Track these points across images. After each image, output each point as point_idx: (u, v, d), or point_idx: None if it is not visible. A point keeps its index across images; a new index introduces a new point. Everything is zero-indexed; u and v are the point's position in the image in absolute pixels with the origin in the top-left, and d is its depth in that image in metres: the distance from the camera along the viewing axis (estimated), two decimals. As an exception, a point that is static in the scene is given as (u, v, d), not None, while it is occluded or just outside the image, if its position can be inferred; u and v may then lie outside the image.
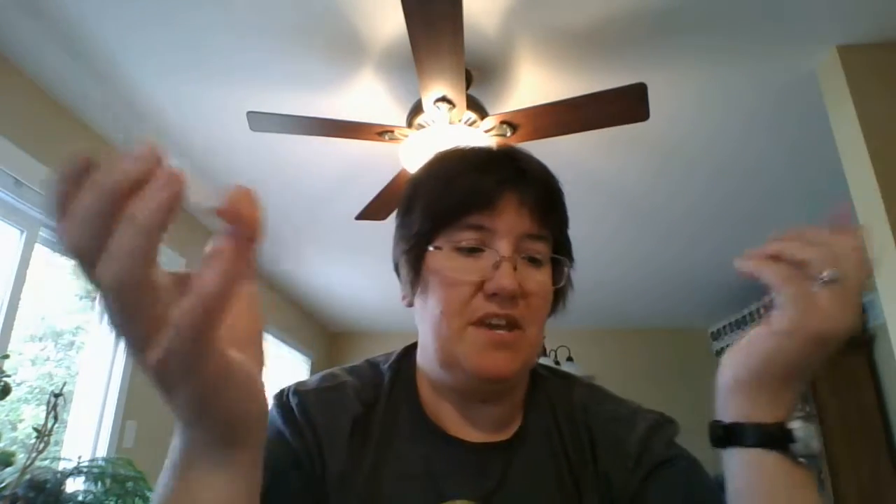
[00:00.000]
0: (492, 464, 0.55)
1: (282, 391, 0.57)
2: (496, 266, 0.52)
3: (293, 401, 0.56)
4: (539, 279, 0.55)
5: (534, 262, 0.55)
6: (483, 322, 0.53)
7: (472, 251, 0.54)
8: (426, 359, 0.58)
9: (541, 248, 0.56)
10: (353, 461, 0.54)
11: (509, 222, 0.54)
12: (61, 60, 1.84)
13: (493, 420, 0.58)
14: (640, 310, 4.74)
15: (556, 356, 4.17)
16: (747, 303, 4.22)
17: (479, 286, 0.53)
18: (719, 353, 4.64)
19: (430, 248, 0.55)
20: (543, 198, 0.56)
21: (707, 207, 2.86)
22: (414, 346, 0.62)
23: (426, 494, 0.53)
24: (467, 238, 0.54)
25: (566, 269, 0.58)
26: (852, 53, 1.75)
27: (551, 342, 4.23)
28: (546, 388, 0.62)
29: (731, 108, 2.06)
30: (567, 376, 0.65)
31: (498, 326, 0.53)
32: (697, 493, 0.54)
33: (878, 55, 1.75)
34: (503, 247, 0.53)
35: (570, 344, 4.39)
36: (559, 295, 0.59)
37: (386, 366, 0.62)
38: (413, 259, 0.56)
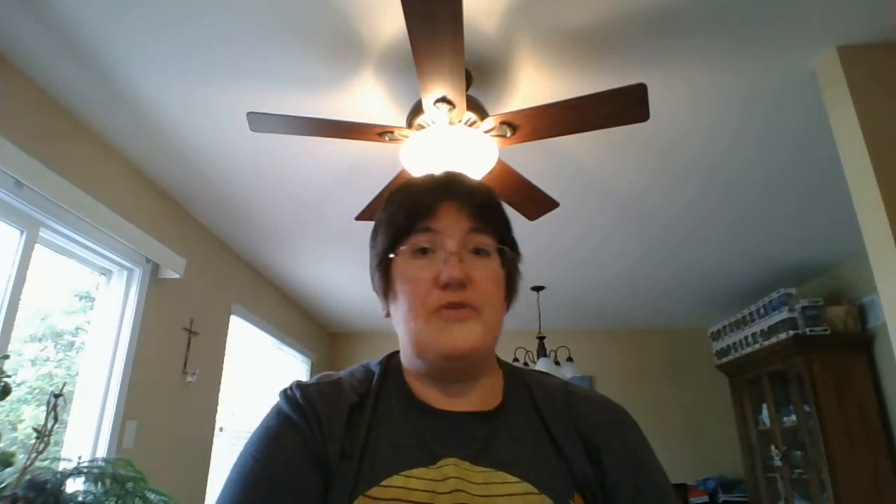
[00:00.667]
0: (477, 429, 0.64)
1: (286, 388, 0.66)
2: (445, 261, 0.63)
3: (297, 393, 0.64)
4: (487, 266, 0.66)
5: (481, 252, 0.66)
6: (443, 309, 0.63)
7: (425, 252, 0.65)
8: (406, 354, 0.69)
9: (485, 241, 0.66)
10: (350, 440, 0.61)
11: (451, 223, 0.65)
12: (61, 60, 1.84)
13: (472, 398, 0.67)
14: (639, 310, 4.75)
15: (556, 356, 4.17)
16: (746, 303, 4.22)
17: (435, 280, 0.63)
18: (719, 353, 4.64)
19: (392, 256, 0.66)
20: (479, 201, 0.67)
21: (706, 208, 2.86)
22: (398, 351, 0.73)
23: (422, 457, 0.60)
24: (419, 241, 0.65)
25: (509, 256, 0.68)
26: (852, 53, 1.75)
27: (551, 342, 4.24)
28: (521, 374, 0.73)
29: (730, 108, 2.06)
30: (542, 371, 0.76)
31: (456, 309, 0.63)
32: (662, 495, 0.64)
33: (878, 55, 1.75)
34: (450, 244, 0.64)
35: (570, 344, 4.40)
36: (510, 281, 0.70)
37: (376, 363, 0.72)
38: (382, 271, 0.68)
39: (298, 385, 0.66)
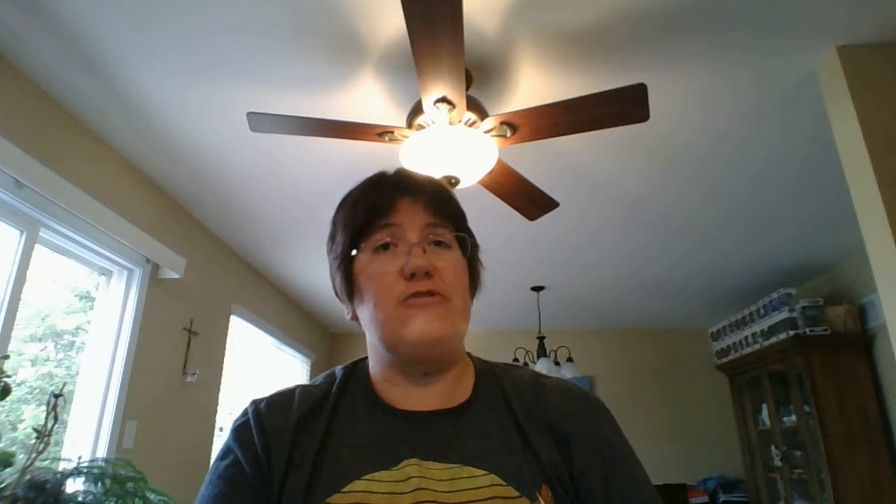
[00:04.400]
0: (442, 427, 0.63)
1: (237, 416, 0.67)
2: (408, 252, 0.64)
3: (250, 409, 0.66)
4: (448, 257, 0.66)
5: (441, 244, 0.66)
6: (411, 298, 0.62)
7: (387, 247, 0.65)
8: (375, 354, 0.69)
9: (443, 233, 0.67)
10: (298, 450, 0.61)
11: (409, 217, 0.66)
12: (61, 60, 1.84)
13: (439, 394, 0.66)
14: (639, 310, 4.75)
15: (556, 356, 4.17)
16: (746, 303, 4.22)
17: (400, 272, 0.63)
18: (719, 353, 4.64)
19: (353, 253, 0.66)
20: (432, 195, 0.68)
21: (708, 210, 2.86)
22: (367, 357, 0.73)
23: (383, 459, 0.60)
24: (380, 237, 0.65)
25: (468, 244, 0.69)
26: (852, 53, 1.75)
27: (551, 342, 4.24)
28: (492, 368, 0.72)
29: (729, 109, 2.06)
30: (515, 364, 0.76)
31: (423, 296, 0.62)
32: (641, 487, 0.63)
33: (878, 55, 1.75)
34: (411, 236, 0.65)
35: (570, 344, 4.40)
36: (473, 271, 0.70)
37: (341, 368, 0.72)
38: (343, 272, 0.68)
39: (251, 402, 0.67)
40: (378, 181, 0.70)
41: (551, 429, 0.64)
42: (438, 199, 0.68)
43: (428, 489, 0.57)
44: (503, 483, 0.58)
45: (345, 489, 0.57)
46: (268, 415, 0.64)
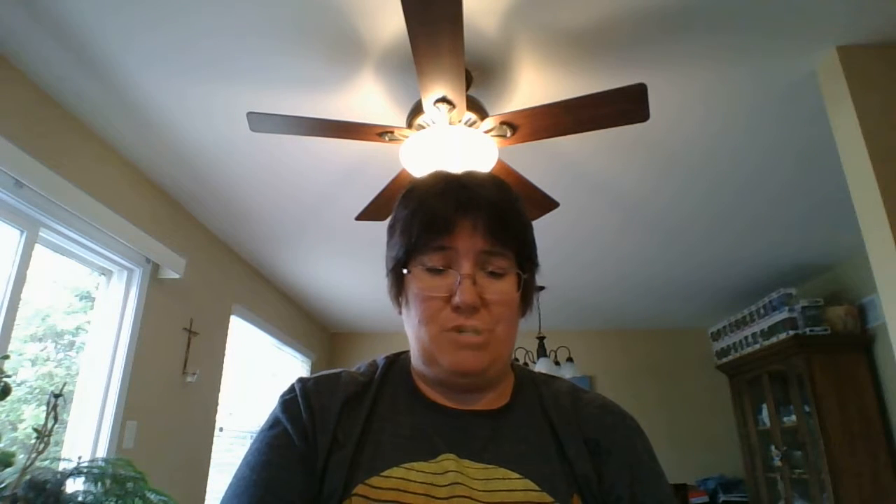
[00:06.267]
0: (481, 428, 0.65)
1: (285, 391, 0.69)
2: (459, 283, 0.63)
3: (297, 386, 0.68)
4: (500, 289, 0.65)
5: (495, 275, 0.65)
6: (454, 329, 0.63)
7: (440, 271, 0.64)
8: (414, 356, 0.70)
9: (500, 263, 0.65)
10: (343, 429, 0.63)
11: (466, 243, 0.64)
12: (62, 60, 1.84)
13: (479, 401, 0.68)
14: (639, 310, 4.75)
15: (556, 356, 4.17)
16: (746, 303, 4.22)
17: (448, 299, 0.63)
18: (719, 353, 4.64)
19: (405, 272, 0.66)
20: (494, 221, 0.65)
21: (708, 210, 2.86)
22: (409, 350, 0.74)
23: (423, 451, 0.62)
24: (434, 259, 0.64)
25: (522, 279, 0.67)
26: (852, 53, 1.75)
27: (551, 343, 4.24)
28: (532, 376, 0.74)
29: (729, 108, 2.06)
30: (553, 375, 0.77)
31: (467, 332, 0.63)
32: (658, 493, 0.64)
33: (878, 55, 1.75)
34: (464, 265, 0.63)
35: (570, 344, 4.40)
36: (526, 295, 0.69)
37: (383, 357, 0.74)
38: (394, 278, 0.69)
39: (299, 380, 0.69)
40: (441, 189, 0.67)
41: (587, 442, 0.65)
42: (499, 222, 0.65)
43: (464, 485, 0.59)
44: (538, 489, 0.59)
45: (384, 473, 0.59)
46: (315, 393, 0.66)
